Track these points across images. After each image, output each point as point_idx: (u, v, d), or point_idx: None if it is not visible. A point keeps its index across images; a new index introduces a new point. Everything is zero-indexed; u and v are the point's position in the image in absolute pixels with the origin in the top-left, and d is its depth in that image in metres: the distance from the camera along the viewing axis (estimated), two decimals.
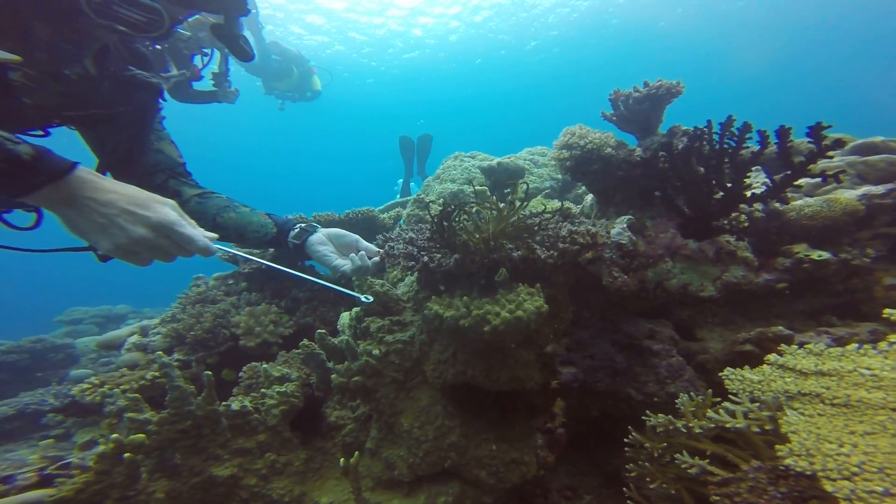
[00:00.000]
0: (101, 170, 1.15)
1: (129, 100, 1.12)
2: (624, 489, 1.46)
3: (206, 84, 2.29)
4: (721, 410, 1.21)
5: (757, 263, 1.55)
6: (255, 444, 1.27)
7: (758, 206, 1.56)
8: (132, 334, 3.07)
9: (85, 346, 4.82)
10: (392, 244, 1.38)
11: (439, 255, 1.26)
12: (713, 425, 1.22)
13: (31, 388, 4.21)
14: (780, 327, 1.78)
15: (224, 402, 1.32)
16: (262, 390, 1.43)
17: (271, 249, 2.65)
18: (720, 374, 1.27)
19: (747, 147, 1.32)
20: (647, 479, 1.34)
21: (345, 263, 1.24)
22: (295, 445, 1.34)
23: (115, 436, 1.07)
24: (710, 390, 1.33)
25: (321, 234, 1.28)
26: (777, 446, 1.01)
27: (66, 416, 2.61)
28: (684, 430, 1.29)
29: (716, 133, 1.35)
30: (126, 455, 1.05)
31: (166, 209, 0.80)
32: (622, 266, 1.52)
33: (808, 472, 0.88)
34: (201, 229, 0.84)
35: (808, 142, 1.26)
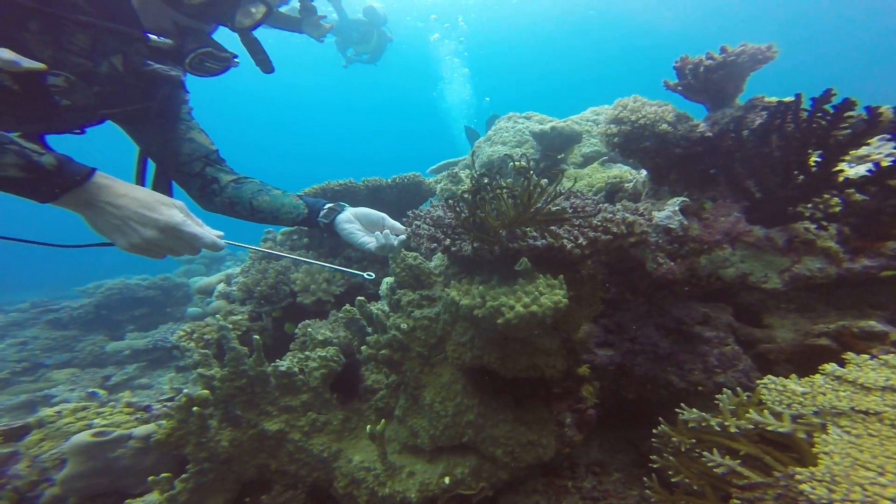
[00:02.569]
0: (143, 160, 1.24)
1: (154, 94, 1.17)
2: (644, 479, 1.45)
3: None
4: (766, 412, 1.12)
5: (842, 255, 1.29)
6: (299, 403, 1.46)
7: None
8: (220, 282, 3.57)
9: (195, 284, 5.73)
10: (418, 223, 1.39)
11: (460, 240, 1.25)
12: (752, 426, 1.14)
13: (164, 321, 5.18)
14: (873, 321, 1.53)
15: (274, 363, 1.51)
16: (307, 352, 1.60)
17: (305, 228, 2.80)
18: (760, 380, 1.16)
19: (845, 127, 1.05)
20: (670, 472, 1.33)
21: (370, 241, 1.27)
22: (334, 406, 1.52)
23: (186, 391, 1.31)
24: (760, 387, 1.23)
25: (348, 212, 1.31)
26: (798, 468, 0.93)
27: (182, 352, 3.21)
28: (718, 429, 1.24)
29: (805, 109, 1.08)
30: (194, 409, 1.29)
31: (173, 211, 0.87)
32: (669, 252, 1.37)
33: (824, 502, 0.80)
34: (208, 228, 0.91)
35: None
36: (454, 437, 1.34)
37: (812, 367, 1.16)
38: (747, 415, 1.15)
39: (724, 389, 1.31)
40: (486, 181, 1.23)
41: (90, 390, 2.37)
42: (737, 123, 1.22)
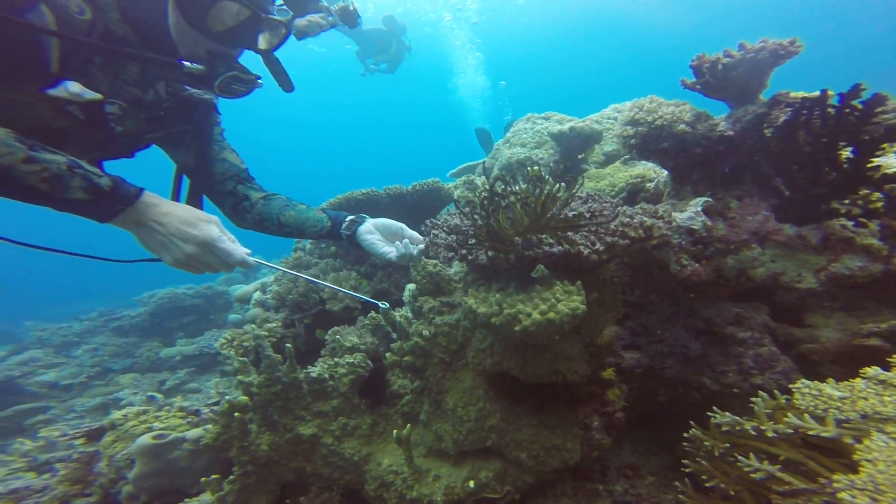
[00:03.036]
0: (179, 177, 1.33)
1: (190, 117, 1.26)
2: (676, 483, 1.42)
3: None
4: (806, 415, 1.08)
5: (887, 252, 1.21)
6: (330, 408, 1.53)
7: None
8: (256, 290, 3.77)
9: (235, 293, 6.05)
10: (436, 232, 1.42)
11: (476, 249, 1.27)
12: (791, 430, 1.10)
13: (208, 327, 5.54)
14: None
15: (306, 369, 1.60)
16: (336, 359, 1.68)
17: (332, 247, 2.90)
18: (794, 385, 1.11)
19: (877, 122, 0.99)
20: (704, 477, 1.30)
21: (391, 251, 1.31)
22: (363, 411, 1.58)
23: (227, 398, 1.41)
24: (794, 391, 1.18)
25: (369, 224, 1.35)
26: (835, 476, 0.90)
27: (224, 359, 3.43)
28: (753, 433, 1.20)
29: (833, 105, 1.03)
30: (236, 414, 1.39)
31: (211, 227, 0.93)
32: (693, 253, 1.33)
33: None
34: (238, 244, 0.98)
35: None
36: (478, 441, 1.37)
37: (862, 368, 1.11)
38: (785, 418, 1.10)
39: (760, 392, 1.27)
40: (498, 189, 1.25)
41: (149, 394, 2.60)
42: (760, 120, 1.17)
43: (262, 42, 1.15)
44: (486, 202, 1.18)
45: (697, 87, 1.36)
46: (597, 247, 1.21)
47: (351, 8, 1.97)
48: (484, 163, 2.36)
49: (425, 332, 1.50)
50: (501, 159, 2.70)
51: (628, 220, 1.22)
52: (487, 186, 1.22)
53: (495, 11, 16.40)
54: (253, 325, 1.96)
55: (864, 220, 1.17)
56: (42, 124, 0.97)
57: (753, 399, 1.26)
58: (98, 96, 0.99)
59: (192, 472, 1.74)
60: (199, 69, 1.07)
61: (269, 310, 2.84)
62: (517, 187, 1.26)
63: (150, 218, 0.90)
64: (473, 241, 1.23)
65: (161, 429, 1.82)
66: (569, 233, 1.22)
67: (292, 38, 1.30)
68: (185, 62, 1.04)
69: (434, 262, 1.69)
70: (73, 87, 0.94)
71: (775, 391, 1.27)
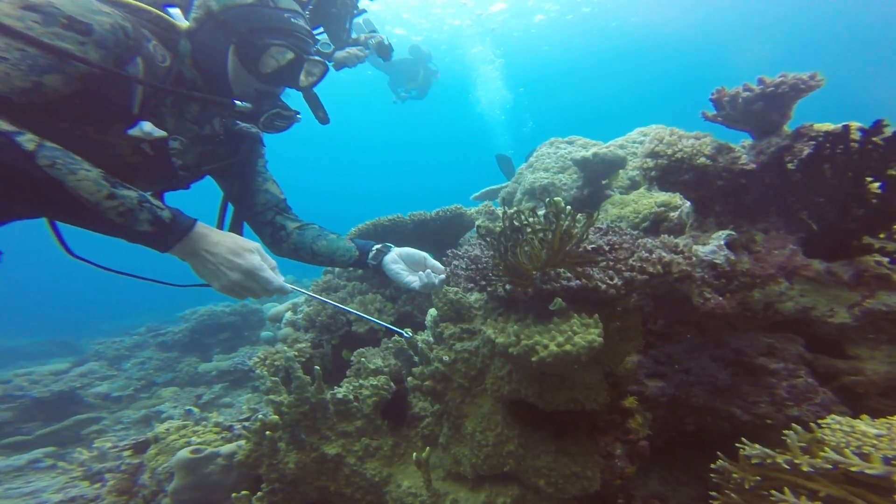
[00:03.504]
0: (225, 205, 1.43)
1: (237, 150, 1.37)
2: None
3: None
4: (848, 451, 1.04)
5: None
6: (353, 429, 1.59)
7: None
8: (288, 310, 3.92)
9: (268, 312, 6.30)
10: (457, 262, 1.47)
11: (496, 281, 1.31)
12: (830, 466, 1.05)
13: (242, 344, 5.79)
14: None
15: (332, 390, 1.67)
16: (360, 381, 1.74)
17: (360, 270, 3.00)
18: (824, 421, 1.07)
19: None
20: None
21: (414, 280, 1.38)
22: (384, 432, 1.63)
23: (259, 416, 1.50)
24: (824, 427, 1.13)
25: (394, 253, 1.43)
26: None
27: (257, 378, 3.57)
28: (786, 466, 1.15)
29: (854, 141, 1.02)
30: (267, 433, 1.47)
31: (254, 256, 1.01)
32: (716, 287, 1.31)
33: None
34: (277, 272, 1.07)
35: None
36: (495, 466, 1.38)
37: None
38: (822, 453, 1.06)
39: (794, 425, 1.23)
40: (516, 223, 1.29)
41: (187, 408, 2.74)
42: (782, 153, 1.17)
43: (303, 79, 1.27)
44: (503, 238, 1.23)
45: (718, 119, 1.37)
46: (615, 281, 1.22)
47: (386, 42, 2.11)
48: (506, 189, 2.41)
49: (445, 358, 1.55)
50: (524, 184, 2.75)
51: (647, 255, 1.23)
52: (506, 218, 1.27)
53: (517, 27, 16.63)
54: (284, 346, 2.06)
55: None
56: (121, 161, 1.09)
57: (785, 432, 1.21)
58: (164, 134, 1.10)
59: (224, 487, 1.83)
60: (248, 107, 1.19)
61: (300, 329, 2.96)
62: (534, 218, 1.30)
63: (202, 248, 0.98)
64: (492, 274, 1.27)
65: (198, 443, 1.92)
66: (586, 268, 1.24)
67: None
68: (237, 101, 1.17)
69: (455, 289, 1.74)
70: (147, 126, 1.05)
71: (812, 424, 1.22)
